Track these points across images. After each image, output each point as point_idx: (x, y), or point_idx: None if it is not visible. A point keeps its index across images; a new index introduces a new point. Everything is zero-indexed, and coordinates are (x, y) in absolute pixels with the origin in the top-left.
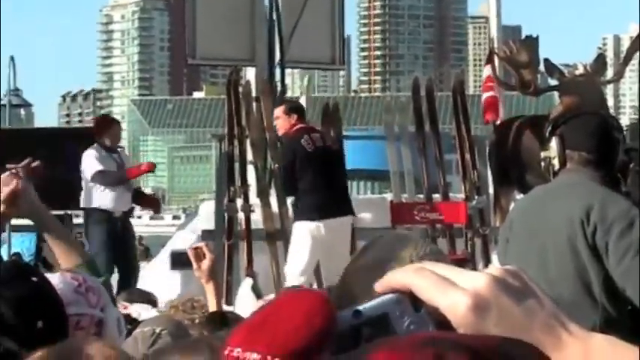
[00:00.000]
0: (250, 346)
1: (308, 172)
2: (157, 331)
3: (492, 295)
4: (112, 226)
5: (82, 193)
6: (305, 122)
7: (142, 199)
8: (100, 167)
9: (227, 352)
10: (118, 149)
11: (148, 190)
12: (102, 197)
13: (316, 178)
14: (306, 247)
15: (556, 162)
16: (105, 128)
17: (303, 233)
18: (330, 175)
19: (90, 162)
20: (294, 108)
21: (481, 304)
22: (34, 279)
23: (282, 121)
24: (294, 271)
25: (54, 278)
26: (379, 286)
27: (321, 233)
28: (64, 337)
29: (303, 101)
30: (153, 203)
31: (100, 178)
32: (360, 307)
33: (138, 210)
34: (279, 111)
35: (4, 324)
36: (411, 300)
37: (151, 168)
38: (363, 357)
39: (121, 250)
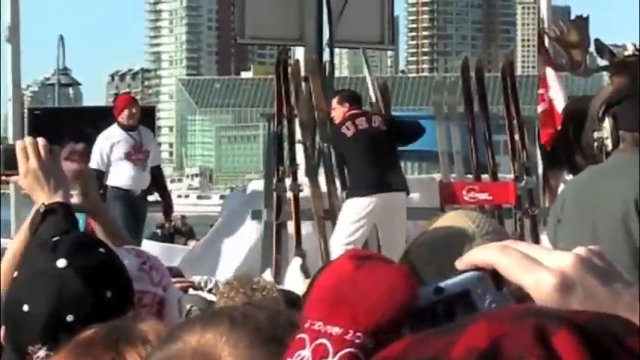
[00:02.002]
0: (332, 320)
1: (352, 155)
2: (188, 307)
3: (578, 274)
4: (131, 204)
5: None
6: (359, 108)
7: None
8: (124, 146)
9: (307, 325)
10: (139, 127)
11: (195, 170)
12: (120, 175)
13: (361, 158)
14: (352, 221)
15: (609, 142)
16: (123, 108)
17: (351, 207)
18: (377, 154)
19: (111, 141)
20: (346, 97)
21: (567, 283)
22: (102, 250)
23: (337, 112)
24: (339, 243)
25: (120, 253)
26: (461, 263)
27: (370, 208)
28: (130, 309)
29: (368, 81)
30: (164, 207)
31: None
32: (442, 284)
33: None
34: (334, 102)
35: (74, 293)
36: (493, 278)
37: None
38: (462, 327)
39: (136, 229)
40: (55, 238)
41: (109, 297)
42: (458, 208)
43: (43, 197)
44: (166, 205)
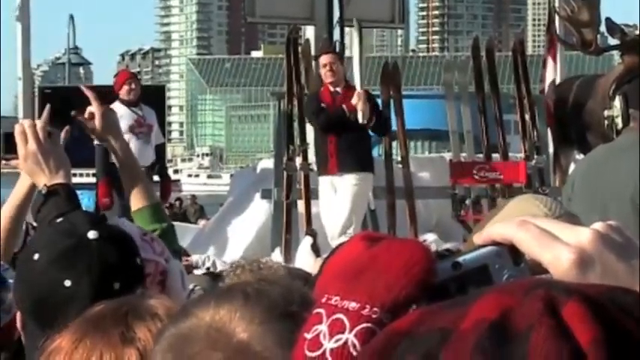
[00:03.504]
0: (349, 295)
1: None
2: (190, 287)
3: (597, 250)
4: None
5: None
6: None
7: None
8: (125, 122)
9: (324, 300)
10: (140, 104)
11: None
12: None
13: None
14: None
15: (619, 121)
16: (122, 84)
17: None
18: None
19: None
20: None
21: (585, 259)
22: (109, 223)
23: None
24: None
25: (119, 222)
26: (479, 238)
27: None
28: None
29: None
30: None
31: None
32: (460, 259)
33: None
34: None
35: (114, 261)
36: (511, 253)
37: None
38: (472, 299)
39: None
40: (61, 219)
41: (139, 263)
42: (468, 188)
43: (44, 179)
44: (163, 187)
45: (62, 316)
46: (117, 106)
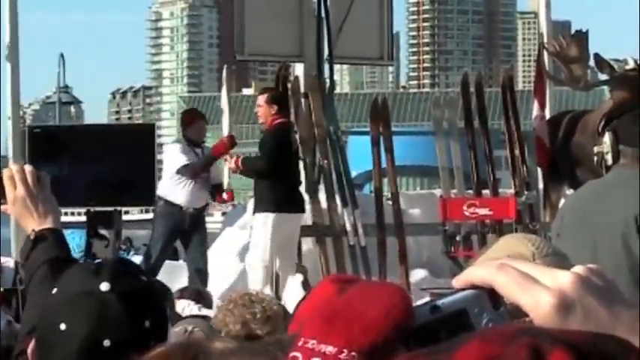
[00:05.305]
0: (326, 338)
1: None
2: (189, 329)
3: (577, 294)
4: (178, 221)
5: (160, 183)
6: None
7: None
8: (184, 161)
9: (301, 343)
10: (203, 145)
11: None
12: (176, 191)
13: None
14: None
15: (609, 157)
16: (189, 123)
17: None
18: None
19: (174, 155)
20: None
21: (566, 303)
22: (143, 278)
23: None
24: None
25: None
26: (458, 281)
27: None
28: (164, 339)
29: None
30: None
31: (185, 170)
32: (439, 302)
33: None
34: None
35: (115, 318)
36: (490, 297)
37: (233, 140)
38: (456, 347)
39: (187, 247)
40: (97, 261)
41: (147, 326)
42: (459, 224)
43: (32, 224)
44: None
45: (52, 358)
46: (181, 144)
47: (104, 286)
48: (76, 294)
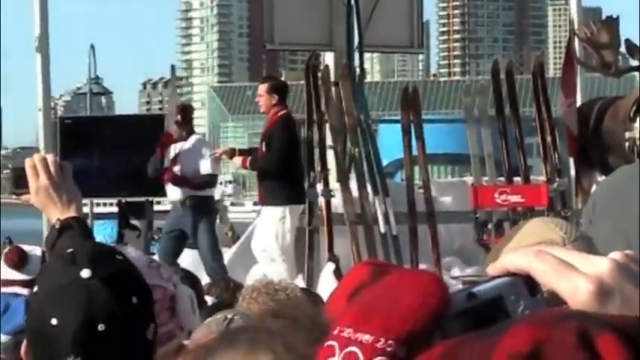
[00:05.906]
0: (362, 327)
1: None
2: (229, 316)
3: (615, 280)
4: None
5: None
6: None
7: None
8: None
9: (336, 332)
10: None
11: (228, 177)
12: None
13: None
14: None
15: None
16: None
17: None
18: None
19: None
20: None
21: (604, 289)
22: (120, 257)
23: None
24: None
25: (125, 251)
26: (494, 268)
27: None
28: (152, 309)
29: None
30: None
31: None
32: (475, 290)
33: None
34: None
35: (103, 302)
36: (526, 284)
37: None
38: (502, 331)
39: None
40: (69, 250)
41: (135, 302)
42: (490, 212)
43: (56, 213)
44: None
45: (50, 353)
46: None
47: (85, 273)
48: (60, 286)
